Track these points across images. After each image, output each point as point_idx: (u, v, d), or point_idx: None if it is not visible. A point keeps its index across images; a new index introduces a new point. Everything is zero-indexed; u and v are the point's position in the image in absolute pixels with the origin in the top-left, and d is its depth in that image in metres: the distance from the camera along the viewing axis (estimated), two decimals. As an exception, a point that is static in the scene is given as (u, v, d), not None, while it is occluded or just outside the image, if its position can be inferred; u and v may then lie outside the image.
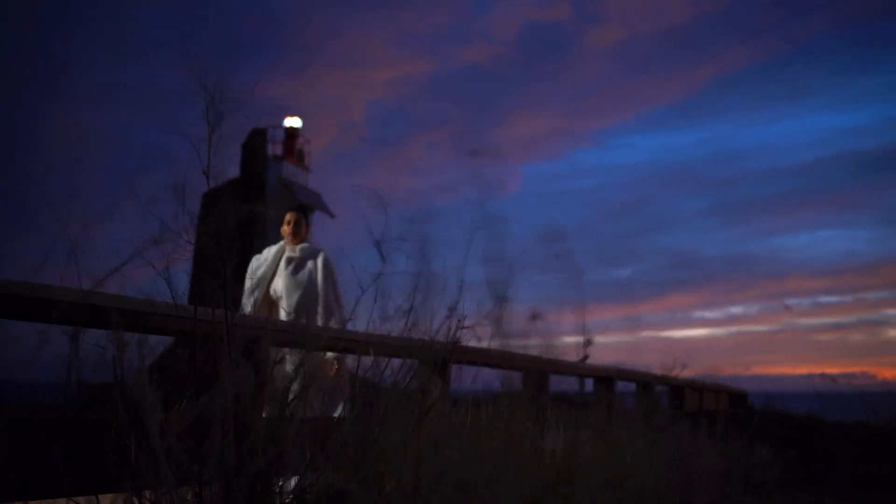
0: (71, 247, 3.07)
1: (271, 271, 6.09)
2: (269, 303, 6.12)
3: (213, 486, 2.47)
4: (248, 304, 5.91)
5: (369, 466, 2.84)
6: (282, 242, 6.16)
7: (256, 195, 21.71)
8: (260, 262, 6.12)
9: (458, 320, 3.74)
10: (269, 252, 6.20)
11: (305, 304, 6.01)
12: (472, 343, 4.23)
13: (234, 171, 23.34)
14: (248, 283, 6.03)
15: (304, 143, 27.43)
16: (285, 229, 6.18)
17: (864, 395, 13.94)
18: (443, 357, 3.72)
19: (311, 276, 6.09)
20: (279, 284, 6.07)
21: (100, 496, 2.76)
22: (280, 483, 2.71)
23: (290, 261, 6.11)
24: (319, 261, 6.10)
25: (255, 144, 23.96)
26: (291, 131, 26.76)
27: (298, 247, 6.12)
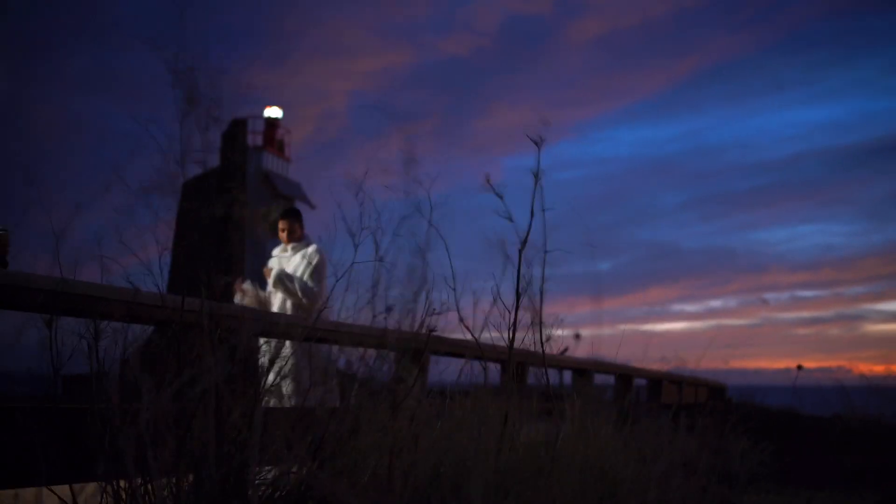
0: (52, 234, 3.05)
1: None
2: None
3: (189, 475, 2.47)
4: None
5: (343, 457, 2.84)
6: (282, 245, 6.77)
7: (236, 185, 21.62)
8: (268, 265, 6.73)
9: (433, 309, 3.75)
10: (274, 254, 6.84)
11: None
12: (457, 335, 4.24)
13: (214, 160, 23.26)
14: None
15: (284, 134, 27.35)
16: (282, 235, 6.75)
17: (841, 390, 14.06)
18: (417, 347, 3.72)
19: (297, 267, 6.60)
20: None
21: (77, 485, 2.75)
22: (256, 474, 2.71)
23: (284, 258, 6.71)
24: (309, 250, 6.63)
25: (234, 134, 23.83)
26: (271, 121, 26.66)
27: (291, 245, 6.71)
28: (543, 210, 3.94)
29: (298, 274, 6.56)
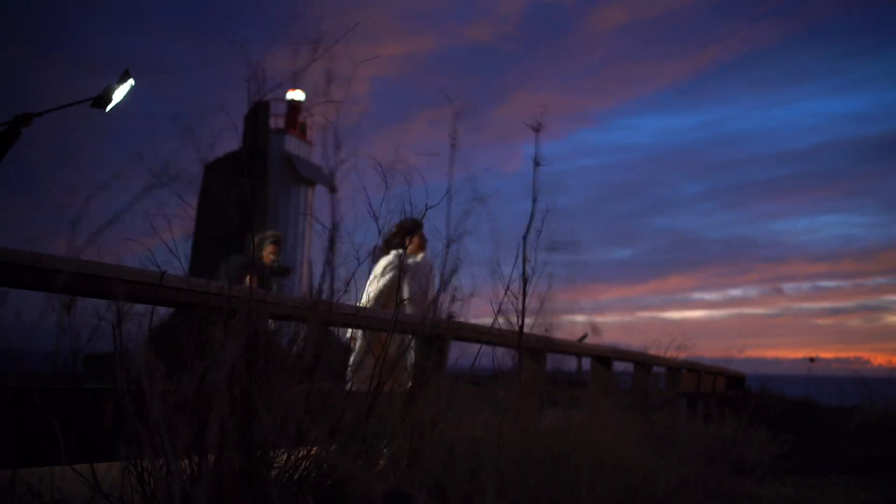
0: (74, 216, 3.07)
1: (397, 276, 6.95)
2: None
3: (209, 456, 2.49)
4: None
5: (364, 441, 2.87)
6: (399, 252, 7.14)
7: (258, 168, 21.64)
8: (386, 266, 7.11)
9: (452, 295, 3.76)
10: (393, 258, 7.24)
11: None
12: (473, 321, 4.26)
13: (236, 142, 23.23)
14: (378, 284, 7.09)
15: (306, 117, 27.34)
16: (411, 248, 7.29)
17: (859, 380, 13.99)
18: (437, 333, 3.74)
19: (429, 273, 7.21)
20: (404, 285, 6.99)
21: (98, 465, 2.78)
22: (275, 456, 2.73)
23: (410, 266, 7.18)
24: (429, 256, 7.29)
25: (257, 117, 23.85)
26: (294, 104, 26.65)
27: (421, 254, 7.28)
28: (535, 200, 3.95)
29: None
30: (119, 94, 5.80)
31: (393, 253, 7.10)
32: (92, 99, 5.69)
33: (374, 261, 7.05)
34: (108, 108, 5.78)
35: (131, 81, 5.80)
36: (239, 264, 6.97)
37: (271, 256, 7.64)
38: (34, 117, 5.50)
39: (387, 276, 6.99)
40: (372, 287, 6.94)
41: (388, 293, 6.92)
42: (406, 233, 7.13)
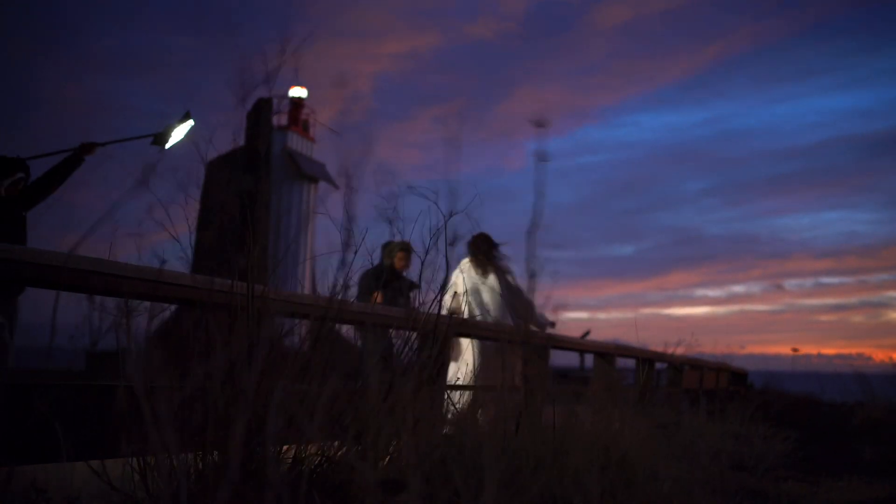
0: (78, 215, 3.09)
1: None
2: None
3: (212, 451, 2.51)
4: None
5: (365, 436, 2.88)
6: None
7: (260, 165, 21.66)
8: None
9: (455, 292, 3.78)
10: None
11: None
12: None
13: (238, 139, 23.24)
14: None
15: (309, 114, 27.37)
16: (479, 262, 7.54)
17: (861, 377, 14.00)
18: (439, 330, 3.76)
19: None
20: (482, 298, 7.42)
21: (102, 462, 2.79)
22: (278, 452, 2.75)
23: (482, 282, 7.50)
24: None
25: (259, 113, 23.88)
26: (296, 101, 26.67)
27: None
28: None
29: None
30: (179, 133, 5.96)
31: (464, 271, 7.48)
32: (153, 136, 5.87)
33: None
34: (167, 146, 5.95)
35: (191, 122, 5.94)
36: (372, 277, 7.55)
37: (401, 263, 8.07)
38: (98, 147, 5.70)
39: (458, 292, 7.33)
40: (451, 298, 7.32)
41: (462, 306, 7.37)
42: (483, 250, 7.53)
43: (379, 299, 7.42)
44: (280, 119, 26.19)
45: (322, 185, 25.98)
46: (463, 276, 7.31)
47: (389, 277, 7.80)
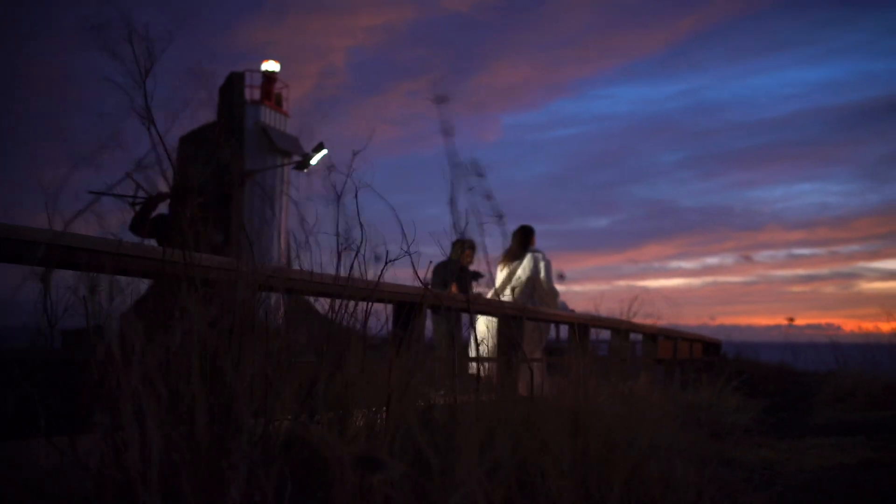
0: (49, 187, 3.05)
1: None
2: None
3: (181, 427, 2.49)
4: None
5: (336, 409, 2.87)
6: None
7: (233, 139, 21.48)
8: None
9: (430, 262, 3.76)
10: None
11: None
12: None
13: (211, 114, 23.09)
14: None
15: (282, 88, 27.13)
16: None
17: (834, 346, 14.15)
18: (412, 301, 3.75)
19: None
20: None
21: (74, 437, 2.77)
22: (246, 425, 2.73)
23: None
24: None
25: (232, 88, 23.63)
26: (269, 75, 26.43)
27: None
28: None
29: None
30: (315, 160, 7.24)
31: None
32: (295, 163, 6.87)
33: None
34: (306, 170, 7.34)
35: (325, 151, 7.13)
36: (448, 269, 9.08)
37: (467, 260, 9.41)
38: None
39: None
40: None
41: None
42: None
43: (454, 289, 8.88)
44: (252, 93, 25.94)
45: (295, 158, 25.82)
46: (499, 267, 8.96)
47: (459, 270, 9.28)
